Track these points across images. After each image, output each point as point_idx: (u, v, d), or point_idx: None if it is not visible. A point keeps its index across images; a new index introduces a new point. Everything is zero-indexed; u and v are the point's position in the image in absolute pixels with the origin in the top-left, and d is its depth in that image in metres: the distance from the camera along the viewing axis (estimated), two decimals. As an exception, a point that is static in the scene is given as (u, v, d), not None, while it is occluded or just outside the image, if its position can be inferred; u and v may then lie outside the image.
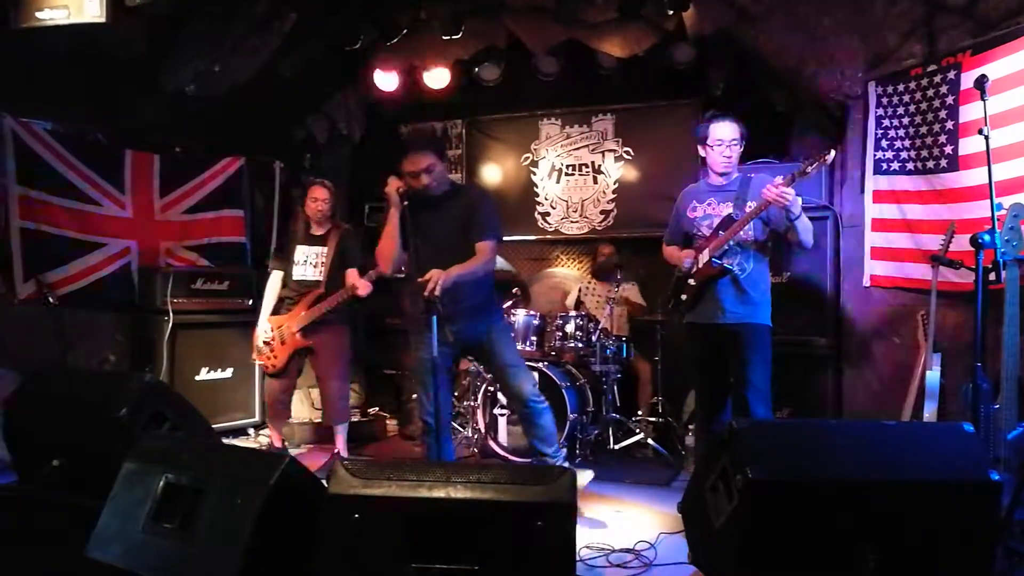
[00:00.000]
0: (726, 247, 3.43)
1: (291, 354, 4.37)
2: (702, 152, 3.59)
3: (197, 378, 5.14)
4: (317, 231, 4.47)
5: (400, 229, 3.32)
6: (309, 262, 4.42)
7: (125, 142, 5.33)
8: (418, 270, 3.18)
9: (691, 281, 3.56)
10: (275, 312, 4.46)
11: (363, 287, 4.27)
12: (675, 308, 3.72)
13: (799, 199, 3.26)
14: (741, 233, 3.40)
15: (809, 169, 3.19)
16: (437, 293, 3.03)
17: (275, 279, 4.50)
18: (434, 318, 2.98)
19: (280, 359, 4.37)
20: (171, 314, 4.96)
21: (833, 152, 3.24)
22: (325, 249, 4.41)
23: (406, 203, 3.27)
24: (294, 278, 4.42)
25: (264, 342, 4.38)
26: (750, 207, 3.39)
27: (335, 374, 4.41)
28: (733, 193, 3.50)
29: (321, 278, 4.37)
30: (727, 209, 3.48)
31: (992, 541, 2.31)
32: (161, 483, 2.24)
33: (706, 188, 3.64)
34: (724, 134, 3.46)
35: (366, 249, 5.71)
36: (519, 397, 3.50)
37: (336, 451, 4.46)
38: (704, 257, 3.49)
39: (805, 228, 3.32)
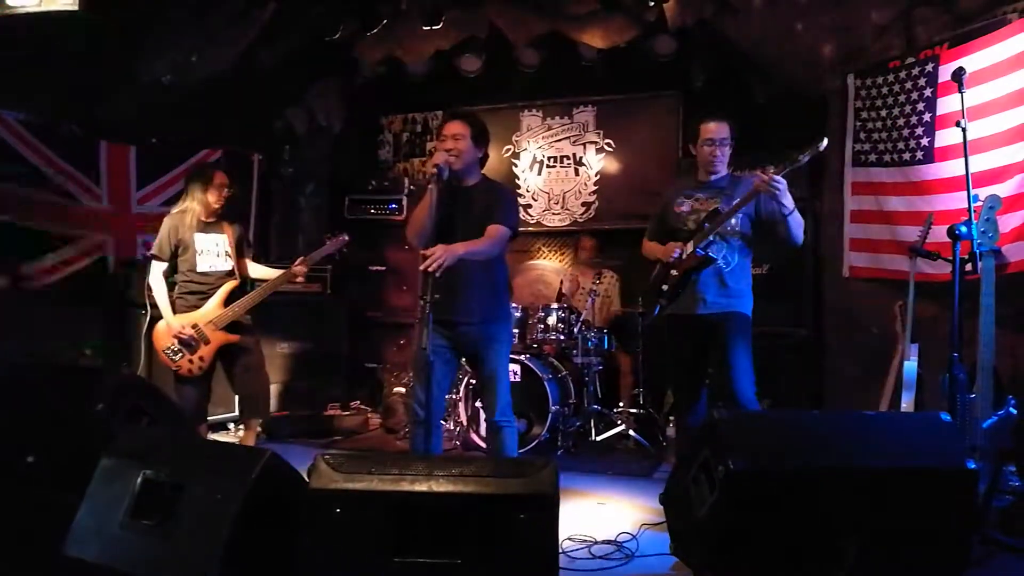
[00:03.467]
0: (711, 239, 3.43)
1: (215, 352, 3.97)
2: (693, 151, 3.59)
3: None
4: (210, 219, 4.08)
5: (436, 207, 3.10)
6: (213, 252, 4.04)
7: (100, 133, 5.25)
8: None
9: (674, 272, 3.55)
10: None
11: (300, 272, 4.04)
12: (656, 298, 3.70)
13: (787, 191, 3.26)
14: (727, 224, 3.39)
15: (802, 158, 3.18)
16: (433, 269, 2.86)
17: (160, 271, 3.99)
18: (430, 315, 2.88)
19: (207, 359, 3.93)
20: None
21: (826, 140, 3.21)
22: (225, 237, 4.09)
23: (442, 179, 3.10)
24: (199, 270, 3.99)
25: (184, 342, 3.88)
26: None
27: (263, 363, 4.19)
28: (722, 190, 3.48)
29: (231, 268, 4.07)
30: (715, 204, 3.48)
31: (969, 529, 2.35)
32: (139, 479, 2.20)
33: (694, 185, 3.63)
34: (714, 133, 3.46)
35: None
36: (489, 408, 3.34)
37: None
38: (689, 248, 3.49)
39: (797, 223, 3.30)
